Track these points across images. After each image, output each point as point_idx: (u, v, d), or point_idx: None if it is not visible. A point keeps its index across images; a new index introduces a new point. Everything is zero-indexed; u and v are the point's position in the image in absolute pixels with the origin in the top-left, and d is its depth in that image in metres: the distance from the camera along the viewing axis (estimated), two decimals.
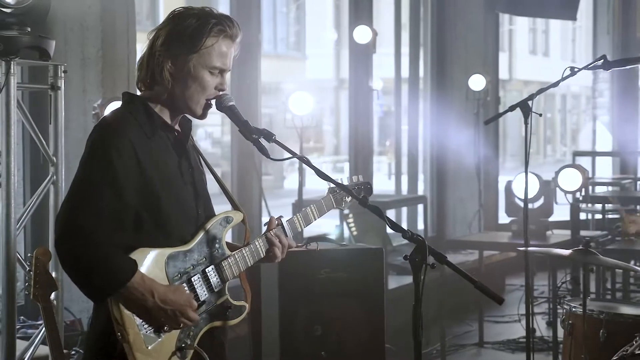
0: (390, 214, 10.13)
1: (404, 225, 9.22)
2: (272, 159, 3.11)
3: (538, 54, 33.73)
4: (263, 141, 3.04)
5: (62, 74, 4.36)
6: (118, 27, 5.78)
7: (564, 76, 5.08)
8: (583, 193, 6.69)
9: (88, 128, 5.31)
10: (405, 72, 9.80)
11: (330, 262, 4.47)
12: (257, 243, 3.08)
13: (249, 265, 3.05)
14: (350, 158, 8.62)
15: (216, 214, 3.06)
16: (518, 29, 31.23)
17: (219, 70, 2.94)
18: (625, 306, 5.02)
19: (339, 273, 4.46)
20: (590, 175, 6.77)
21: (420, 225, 9.87)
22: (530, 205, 7.08)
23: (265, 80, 23.76)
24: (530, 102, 5.01)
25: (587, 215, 8.57)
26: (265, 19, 25.17)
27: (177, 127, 3.03)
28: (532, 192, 6.94)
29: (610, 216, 7.94)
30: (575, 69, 5.09)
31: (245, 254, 3.04)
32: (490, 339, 7.37)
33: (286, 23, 25.47)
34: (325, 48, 24.34)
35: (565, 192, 6.78)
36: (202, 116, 2.98)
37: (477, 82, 9.17)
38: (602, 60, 4.90)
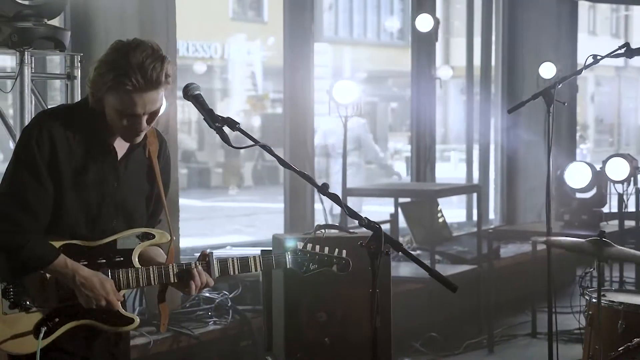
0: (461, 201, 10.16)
1: (474, 214, 9.29)
2: (233, 146, 3.19)
3: None
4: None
5: (79, 64, 4.53)
6: (157, 16, 5.90)
7: (586, 64, 5.03)
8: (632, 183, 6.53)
9: None
10: (477, 60, 9.75)
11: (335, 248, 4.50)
12: (169, 268, 3.13)
13: (153, 284, 3.12)
14: (412, 147, 8.62)
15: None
16: (635, 15, 30.40)
17: (130, 115, 2.99)
18: None
19: None
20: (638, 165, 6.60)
21: (492, 214, 9.83)
22: (582, 195, 7.00)
23: (370, 69, 23.64)
24: (552, 91, 4.98)
25: None
26: (370, 7, 25.24)
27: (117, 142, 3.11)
28: (584, 181, 6.85)
29: None
30: (598, 57, 5.03)
31: (152, 273, 3.11)
32: (545, 329, 7.28)
33: (390, 12, 25.45)
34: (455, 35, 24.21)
35: (614, 182, 6.65)
36: (130, 141, 3.09)
37: (547, 70, 9.03)
38: (625, 49, 4.84)
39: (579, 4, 10.19)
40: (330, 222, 7.08)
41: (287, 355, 4.51)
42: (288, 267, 3.32)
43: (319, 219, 7.38)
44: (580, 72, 5.05)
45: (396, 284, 5.66)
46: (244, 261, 3.24)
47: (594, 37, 28.99)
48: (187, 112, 22.56)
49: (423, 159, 8.45)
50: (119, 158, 3.13)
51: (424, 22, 8.24)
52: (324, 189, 3.19)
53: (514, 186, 9.54)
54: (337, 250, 3.37)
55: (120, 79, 2.93)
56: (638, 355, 4.12)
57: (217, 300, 6.01)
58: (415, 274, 7.06)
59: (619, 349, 4.18)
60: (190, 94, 3.21)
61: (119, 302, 3.08)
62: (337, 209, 7.91)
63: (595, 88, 31.03)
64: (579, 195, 7.22)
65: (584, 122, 29.95)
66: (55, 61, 5.70)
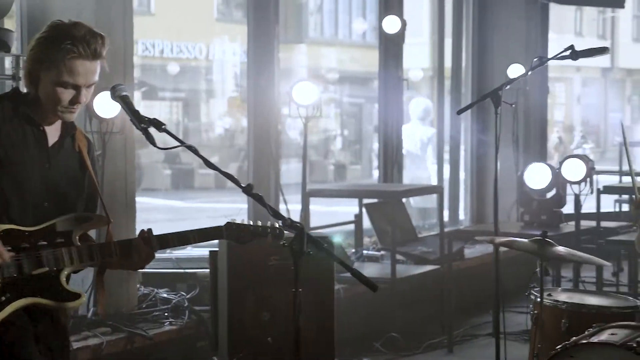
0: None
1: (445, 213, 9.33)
2: (159, 147, 3.24)
3: None
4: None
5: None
6: (114, 17, 5.92)
7: (532, 66, 5.08)
8: (588, 184, 6.58)
9: (80, 119, 5.49)
10: (448, 61, 9.81)
11: (280, 249, 4.54)
12: (111, 243, 3.23)
13: (95, 259, 3.20)
14: (379, 148, 8.66)
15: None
16: (621, 16, 30.47)
17: (71, 86, 3.14)
18: (593, 297, 4.96)
19: (289, 260, 4.52)
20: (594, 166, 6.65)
21: (462, 215, 9.89)
22: (542, 196, 7.04)
23: (354, 70, 23.62)
24: (500, 92, 5.01)
25: (614, 206, 8.45)
26: (355, 9, 25.24)
27: (50, 126, 3.24)
28: (544, 182, 6.90)
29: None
30: (544, 59, 5.08)
31: (93, 249, 3.20)
32: (510, 329, 7.32)
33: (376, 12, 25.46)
34: (423, 37, 24.25)
35: (570, 183, 6.70)
36: (66, 120, 3.24)
37: (516, 71, 9.07)
38: (570, 51, 4.88)
39: (549, 6, 10.24)
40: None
41: (231, 354, 4.54)
42: (225, 239, 3.41)
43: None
44: (526, 74, 5.09)
45: (358, 284, 5.67)
46: (183, 234, 3.32)
47: (581, 38, 29.07)
48: (175, 112, 22.63)
49: (390, 160, 8.49)
50: (50, 144, 3.25)
51: (390, 24, 8.29)
52: (247, 190, 3.25)
53: (483, 187, 9.60)
54: (269, 222, 3.43)
55: (66, 47, 3.09)
56: (576, 354, 4.14)
57: (174, 301, 6.03)
58: (379, 274, 7.10)
59: (557, 347, 4.21)
60: (118, 95, 3.28)
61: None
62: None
63: (581, 89, 31.11)
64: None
65: (570, 123, 30.07)
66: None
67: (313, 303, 4.60)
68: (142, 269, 3.35)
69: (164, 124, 3.23)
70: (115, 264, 3.28)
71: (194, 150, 3.27)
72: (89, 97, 3.23)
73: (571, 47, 4.84)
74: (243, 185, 3.24)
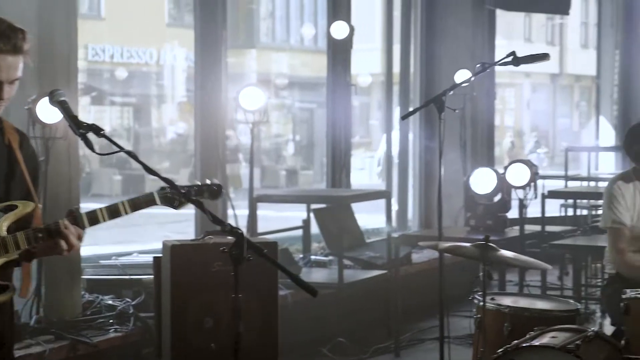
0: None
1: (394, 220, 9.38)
2: (97, 153, 3.22)
3: (590, 47, 33.20)
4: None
5: None
6: (58, 20, 5.87)
7: (475, 72, 5.13)
8: (533, 188, 6.66)
9: (23, 124, 5.44)
10: (396, 67, 9.86)
11: (223, 255, 4.53)
12: (36, 229, 3.14)
13: (21, 247, 3.11)
14: (327, 154, 8.68)
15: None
16: (570, 23, 30.86)
17: None
18: (536, 300, 5.01)
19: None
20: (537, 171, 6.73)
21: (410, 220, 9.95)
22: (488, 201, 7.10)
23: (305, 75, 23.64)
24: (443, 98, 5.05)
25: (560, 211, 8.56)
26: (307, 14, 25.28)
27: None
28: (490, 187, 6.95)
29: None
30: (487, 65, 5.12)
31: (19, 238, 3.11)
32: (455, 333, 7.37)
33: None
34: (375, 43, 24.39)
35: (515, 188, 6.77)
36: None
37: (463, 77, 9.14)
38: (512, 57, 4.93)
39: (496, 12, 10.34)
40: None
41: None
42: (158, 204, 3.31)
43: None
44: (469, 80, 5.13)
45: None
46: (113, 207, 3.23)
47: (530, 44, 29.40)
48: (125, 117, 22.50)
49: (338, 165, 8.51)
50: None
51: (339, 30, 8.31)
52: (187, 196, 3.24)
53: (431, 192, 9.65)
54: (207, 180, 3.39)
55: None
56: (517, 357, 4.19)
57: (119, 308, 5.98)
58: (326, 279, 7.12)
59: (498, 351, 4.25)
60: (56, 100, 3.26)
61: None
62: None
63: (531, 95, 31.46)
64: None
65: (519, 128, 30.37)
66: None
67: (256, 309, 4.59)
68: (76, 252, 3.26)
69: (102, 130, 3.19)
70: (45, 249, 3.18)
71: (133, 156, 3.24)
72: (12, 93, 3.17)
73: (513, 53, 4.88)
74: (182, 192, 3.23)
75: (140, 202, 3.27)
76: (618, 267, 5.20)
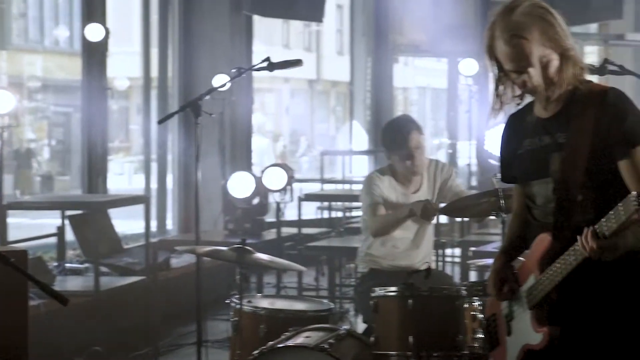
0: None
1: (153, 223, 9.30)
2: None
3: (345, 54, 34.17)
4: None
5: None
6: None
7: (231, 77, 5.19)
8: (289, 192, 6.80)
9: None
10: (154, 71, 9.80)
11: None
12: None
13: None
14: (82, 158, 8.50)
15: None
16: (325, 30, 31.65)
17: None
18: (292, 301, 5.12)
19: None
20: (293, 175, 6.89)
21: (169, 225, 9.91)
22: (247, 204, 7.18)
23: (61, 78, 22.98)
24: (199, 102, 5.06)
25: (316, 213, 8.82)
26: (62, 16, 24.60)
27: None
28: (248, 191, 7.03)
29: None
30: (242, 70, 5.20)
31: None
32: (214, 337, 7.39)
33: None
34: (134, 46, 24.07)
35: (272, 191, 6.89)
36: None
37: (221, 82, 9.19)
38: (267, 62, 5.02)
39: (253, 18, 10.48)
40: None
41: None
42: None
43: None
44: (224, 85, 5.19)
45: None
46: None
47: (289, 50, 29.93)
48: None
49: (95, 170, 8.34)
50: None
51: (93, 32, 8.15)
52: None
53: (189, 196, 9.64)
54: None
55: None
56: (272, 358, 4.27)
57: None
58: (82, 287, 6.96)
59: (253, 353, 4.32)
60: None
61: None
62: None
63: (290, 100, 32.06)
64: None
65: (279, 132, 30.90)
66: None
67: (4, 320, 4.40)
68: None
69: None
70: None
71: None
72: None
73: (267, 59, 4.98)
74: None
75: None
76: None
